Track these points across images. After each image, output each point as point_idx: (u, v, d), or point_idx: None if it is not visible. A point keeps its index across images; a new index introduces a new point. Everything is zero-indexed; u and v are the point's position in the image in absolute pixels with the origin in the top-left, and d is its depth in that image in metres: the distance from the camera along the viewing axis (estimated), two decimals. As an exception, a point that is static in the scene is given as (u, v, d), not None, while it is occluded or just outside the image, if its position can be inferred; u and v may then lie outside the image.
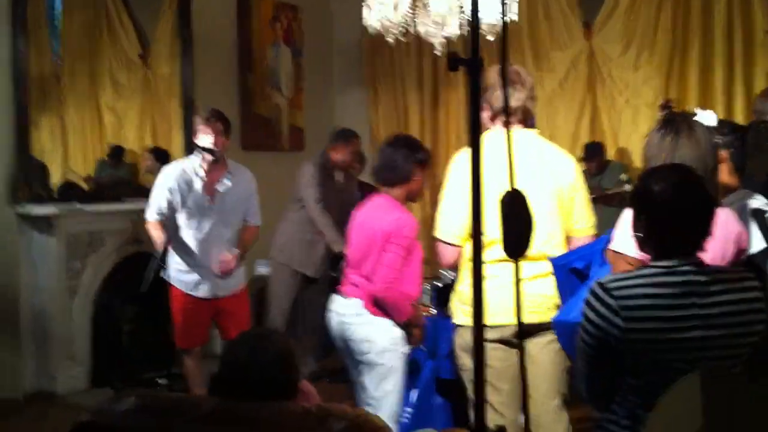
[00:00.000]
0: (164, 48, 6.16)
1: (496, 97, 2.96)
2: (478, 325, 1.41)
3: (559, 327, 2.86)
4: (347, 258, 3.59)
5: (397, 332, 3.38)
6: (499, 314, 2.76)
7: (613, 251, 2.55)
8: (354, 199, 5.62)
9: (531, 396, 2.91)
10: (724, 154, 3.06)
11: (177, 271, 4.31)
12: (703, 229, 2.11)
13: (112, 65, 5.88)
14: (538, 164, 2.97)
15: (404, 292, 3.35)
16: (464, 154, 3.07)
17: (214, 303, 4.38)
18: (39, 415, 4.78)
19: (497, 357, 2.89)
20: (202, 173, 4.22)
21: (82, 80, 5.65)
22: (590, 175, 5.98)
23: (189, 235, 4.27)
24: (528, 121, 3.05)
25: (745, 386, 1.46)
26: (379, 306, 3.35)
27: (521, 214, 1.41)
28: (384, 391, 3.37)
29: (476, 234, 1.39)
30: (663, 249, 2.11)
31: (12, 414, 4.77)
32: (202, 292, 4.34)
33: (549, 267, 2.91)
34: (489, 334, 2.82)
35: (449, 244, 3.02)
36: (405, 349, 3.42)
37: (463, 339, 3.02)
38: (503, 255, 2.86)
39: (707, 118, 2.54)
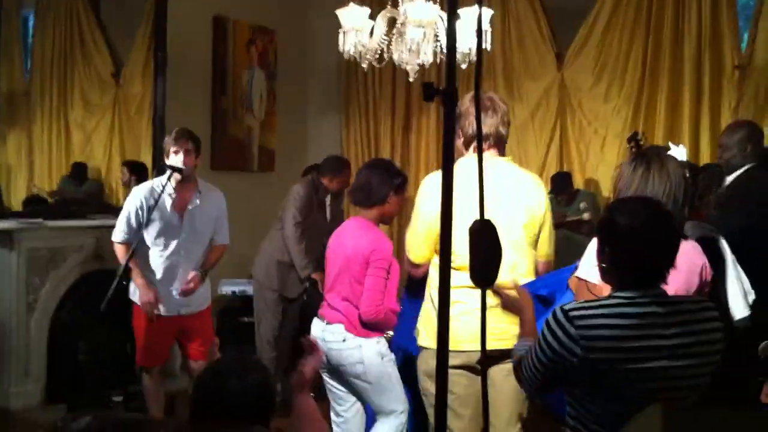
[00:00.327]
0: (137, 68, 6.15)
1: (468, 123, 3.00)
2: (443, 350, 1.41)
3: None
4: (325, 281, 3.62)
5: (383, 343, 3.48)
6: (465, 341, 2.80)
7: (578, 278, 2.56)
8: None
9: (492, 423, 2.92)
10: None
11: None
12: (667, 261, 2.13)
13: (84, 83, 5.86)
14: (511, 193, 2.99)
15: (389, 307, 3.43)
16: (433, 177, 3.09)
17: (177, 321, 4.35)
18: (-8, 432, 4.71)
19: (460, 383, 2.94)
20: (171, 191, 4.20)
21: (51, 98, 5.62)
22: (561, 206, 6.04)
23: (156, 253, 4.25)
24: (501, 147, 3.08)
25: (705, 418, 1.47)
26: (366, 325, 3.42)
27: (489, 243, 1.41)
28: (389, 399, 3.47)
29: (444, 261, 1.39)
30: (626, 280, 2.12)
31: (-36, 430, 4.69)
32: (165, 310, 4.31)
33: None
34: (454, 360, 2.84)
35: (415, 264, 3.13)
36: (392, 355, 3.51)
37: (427, 364, 3.04)
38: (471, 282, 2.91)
39: (679, 153, 2.58)
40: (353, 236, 3.47)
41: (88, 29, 5.87)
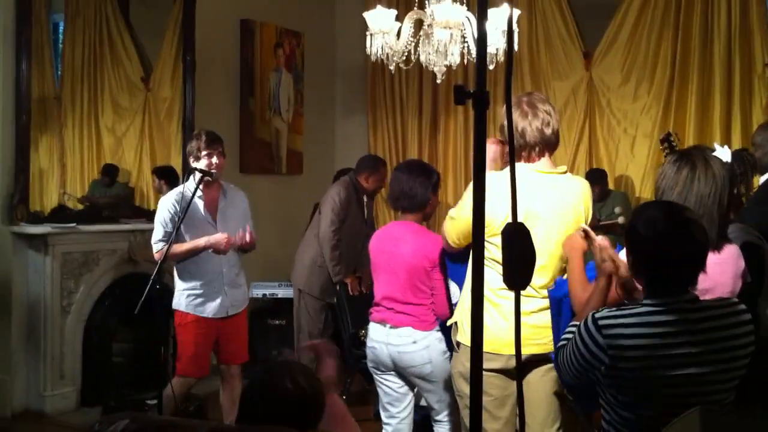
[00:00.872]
0: (167, 71, 6.21)
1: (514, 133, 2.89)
2: (477, 351, 1.41)
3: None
4: (377, 286, 3.66)
5: (442, 339, 3.52)
6: (506, 344, 2.82)
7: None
8: (372, 224, 5.69)
9: (528, 424, 2.90)
10: None
11: (187, 296, 4.25)
12: (692, 268, 2.10)
13: (113, 88, 5.93)
14: (561, 203, 2.92)
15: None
16: (502, 177, 2.97)
17: (220, 324, 4.32)
18: (27, 435, 4.76)
19: (496, 385, 2.92)
20: (200, 193, 4.22)
21: (82, 102, 5.69)
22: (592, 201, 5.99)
23: (198, 258, 4.23)
24: (551, 151, 2.95)
25: (743, 422, 1.46)
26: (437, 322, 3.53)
27: (524, 246, 1.41)
28: (450, 396, 3.51)
29: (478, 265, 1.39)
30: (653, 287, 2.11)
31: (-1, 432, 4.75)
32: (213, 312, 4.29)
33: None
34: (493, 363, 2.85)
35: (447, 242, 3.14)
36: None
37: (463, 365, 3.02)
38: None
39: (724, 154, 2.53)
40: (410, 241, 3.52)
41: (117, 33, 5.94)
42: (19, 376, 5.08)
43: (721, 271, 2.36)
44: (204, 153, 4.19)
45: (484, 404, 2.90)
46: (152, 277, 3.80)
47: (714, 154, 2.52)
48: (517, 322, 1.42)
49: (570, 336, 2.21)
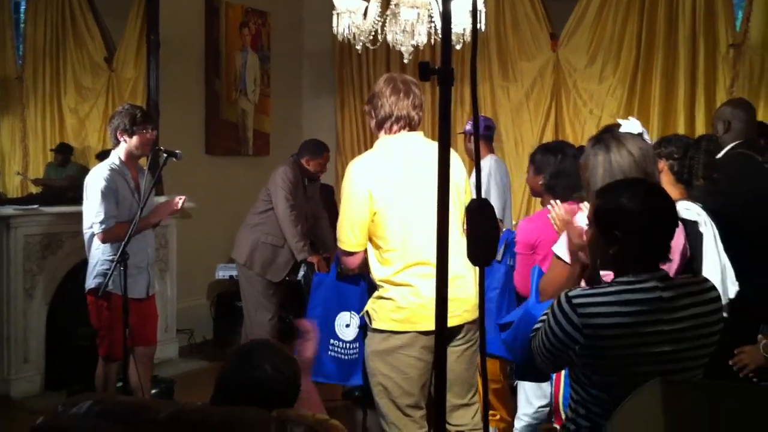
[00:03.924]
0: (130, 52, 6.12)
1: (380, 105, 3.07)
2: (441, 330, 1.41)
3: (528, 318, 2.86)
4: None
5: None
6: (420, 322, 2.92)
7: (554, 254, 2.56)
8: (318, 207, 5.63)
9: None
10: (662, 164, 3.13)
11: (123, 278, 3.87)
12: (667, 242, 2.12)
13: (76, 68, 5.84)
14: (433, 164, 2.96)
15: None
16: (360, 162, 3.13)
17: (140, 304, 4.16)
18: (-8, 419, 4.71)
19: (414, 365, 3.01)
20: (127, 171, 4.11)
21: (44, 83, 5.60)
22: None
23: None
24: (412, 128, 3.12)
25: (705, 394, 1.48)
26: None
27: (487, 221, 1.41)
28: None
29: (442, 240, 1.39)
30: (631, 264, 2.11)
31: (-36, 418, 4.69)
32: (139, 292, 4.16)
33: (461, 269, 2.98)
34: (408, 341, 2.95)
35: (351, 252, 3.10)
36: None
37: (378, 345, 3.06)
38: (412, 262, 2.90)
39: (631, 126, 2.56)
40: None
41: (80, 13, 5.84)
42: (-18, 360, 5.01)
43: None
44: (138, 128, 4.08)
45: (399, 382, 3.02)
46: (116, 257, 3.74)
47: (621, 130, 2.54)
48: (481, 298, 1.42)
49: (544, 319, 2.21)
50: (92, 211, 4.01)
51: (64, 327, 5.29)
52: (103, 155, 5.64)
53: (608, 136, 2.53)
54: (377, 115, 3.11)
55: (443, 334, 1.40)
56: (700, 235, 3.02)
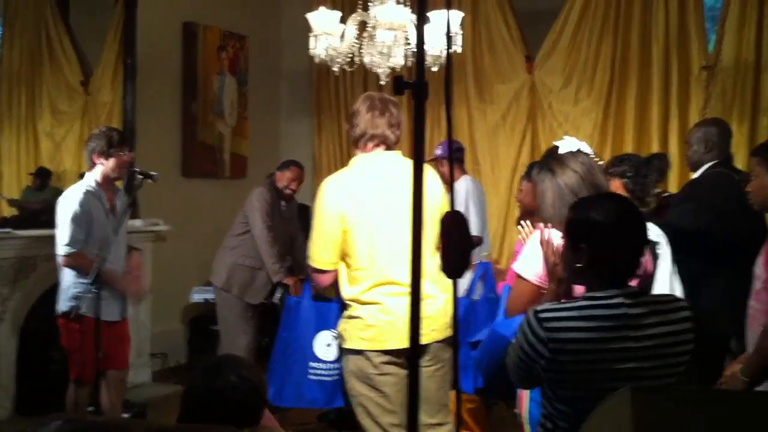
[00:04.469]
0: (107, 75, 6.10)
1: (357, 123, 3.10)
2: (414, 345, 1.40)
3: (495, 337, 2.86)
4: None
5: None
6: (389, 340, 2.93)
7: (516, 273, 2.57)
8: (295, 228, 5.61)
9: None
10: (616, 183, 3.18)
11: (96, 301, 3.85)
12: (637, 258, 2.13)
13: (52, 92, 5.80)
14: (406, 183, 2.97)
15: None
16: (333, 180, 3.14)
17: (112, 326, 4.08)
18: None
19: (389, 383, 2.99)
20: (102, 193, 4.08)
21: (20, 107, 5.56)
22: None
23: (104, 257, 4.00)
24: (387, 148, 3.13)
25: (674, 401, 1.48)
26: None
27: (461, 233, 1.41)
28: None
29: (416, 256, 1.38)
30: (600, 279, 2.11)
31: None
32: (115, 313, 4.11)
33: (431, 290, 2.93)
34: (379, 359, 2.94)
35: (322, 271, 3.09)
36: None
37: (354, 365, 3.06)
38: (379, 281, 2.89)
39: (568, 144, 2.59)
40: None
41: (56, 37, 5.82)
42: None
43: None
44: (115, 151, 4.05)
45: (378, 401, 3.01)
46: (89, 281, 3.70)
47: (560, 151, 2.57)
48: (455, 311, 1.42)
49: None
50: (60, 233, 3.97)
51: (35, 351, 5.21)
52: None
53: (551, 160, 2.58)
54: (354, 132, 3.13)
55: (416, 352, 1.39)
56: (657, 256, 3.06)
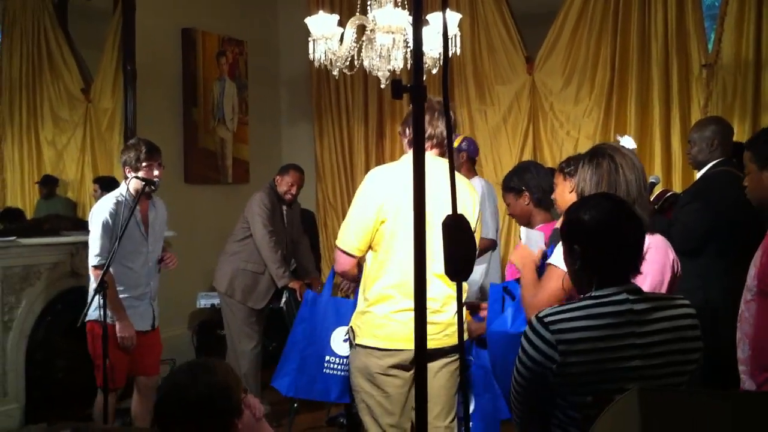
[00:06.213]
0: (107, 82, 6.10)
1: (411, 127, 3.04)
2: (421, 346, 1.40)
3: (495, 336, 2.86)
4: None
5: None
6: (399, 340, 2.92)
7: (551, 264, 2.57)
8: (299, 232, 5.61)
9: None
10: (570, 183, 3.15)
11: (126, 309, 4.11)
12: (637, 253, 2.12)
13: (53, 100, 5.81)
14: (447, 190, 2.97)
15: None
16: (381, 171, 3.13)
17: (143, 336, 4.21)
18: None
19: (393, 384, 3.00)
20: (136, 205, 4.11)
21: (21, 115, 5.57)
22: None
23: (128, 269, 4.15)
24: (441, 150, 3.13)
25: (683, 403, 1.47)
26: None
27: (464, 236, 1.41)
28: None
29: (420, 259, 1.39)
30: (599, 278, 2.10)
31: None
32: (147, 323, 4.23)
33: (445, 293, 2.99)
34: (387, 360, 2.95)
35: (347, 253, 3.08)
36: None
37: (361, 362, 3.06)
38: (399, 281, 2.86)
39: (629, 142, 2.60)
40: None
41: (56, 45, 5.83)
42: (-41, 395, 4.92)
43: (650, 260, 2.40)
44: (144, 164, 4.10)
45: (380, 401, 3.01)
46: (94, 289, 3.72)
47: (622, 144, 2.58)
48: (459, 314, 1.42)
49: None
50: (92, 244, 4.06)
51: (43, 359, 5.22)
52: (99, 180, 5.67)
53: (608, 147, 2.58)
54: (406, 133, 3.16)
55: (424, 353, 1.39)
56: None
